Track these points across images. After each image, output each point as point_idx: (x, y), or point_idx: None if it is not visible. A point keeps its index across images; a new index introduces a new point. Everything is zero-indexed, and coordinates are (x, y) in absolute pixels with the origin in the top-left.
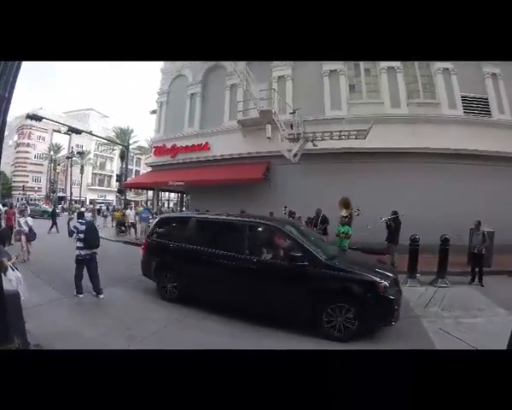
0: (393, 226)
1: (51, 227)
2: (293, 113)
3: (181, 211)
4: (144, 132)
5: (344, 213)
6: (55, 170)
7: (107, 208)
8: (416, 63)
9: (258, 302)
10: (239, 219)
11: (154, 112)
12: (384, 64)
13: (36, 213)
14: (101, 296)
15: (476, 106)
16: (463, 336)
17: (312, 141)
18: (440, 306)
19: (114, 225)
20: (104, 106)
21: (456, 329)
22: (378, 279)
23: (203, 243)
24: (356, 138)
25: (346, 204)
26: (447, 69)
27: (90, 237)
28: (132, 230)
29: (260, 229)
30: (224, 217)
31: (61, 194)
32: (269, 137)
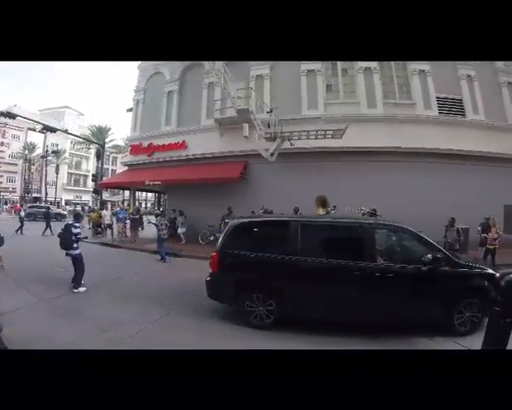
0: None
1: (45, 229)
2: (271, 112)
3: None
4: (121, 131)
5: (321, 211)
6: (29, 170)
7: (83, 209)
8: (393, 64)
9: (389, 314)
10: (359, 221)
11: (130, 110)
12: (361, 64)
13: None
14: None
15: (451, 107)
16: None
17: (289, 140)
18: None
19: (90, 226)
20: (80, 103)
21: None
22: (493, 272)
23: (312, 252)
24: (332, 138)
25: (322, 202)
26: (423, 71)
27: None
28: (109, 231)
29: (385, 231)
30: (335, 219)
31: (35, 194)
32: (246, 136)
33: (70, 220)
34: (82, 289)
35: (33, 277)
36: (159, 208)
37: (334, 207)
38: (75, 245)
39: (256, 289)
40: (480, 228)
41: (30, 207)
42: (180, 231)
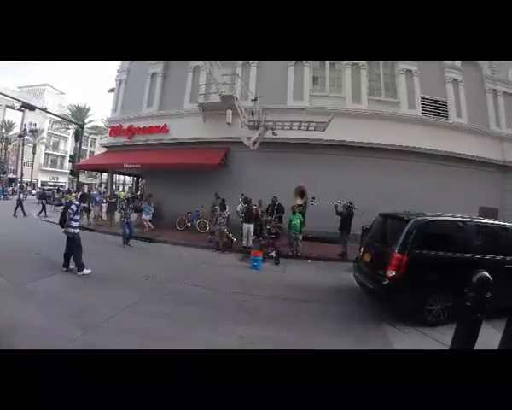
0: (345, 215)
1: (41, 211)
2: (255, 100)
3: (146, 196)
4: (102, 111)
5: (299, 201)
6: (6, 149)
7: (58, 191)
8: (381, 62)
9: None
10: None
11: (112, 90)
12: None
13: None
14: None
15: (435, 108)
16: (412, 323)
17: (272, 129)
18: None
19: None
20: (61, 81)
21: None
22: None
23: (486, 250)
24: (315, 130)
25: (301, 193)
26: (410, 71)
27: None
28: (85, 214)
29: None
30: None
31: (11, 175)
32: (229, 123)
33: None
34: (87, 271)
35: (11, 261)
36: (136, 192)
37: (313, 198)
38: (74, 224)
39: (443, 288)
40: None
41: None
42: (144, 216)
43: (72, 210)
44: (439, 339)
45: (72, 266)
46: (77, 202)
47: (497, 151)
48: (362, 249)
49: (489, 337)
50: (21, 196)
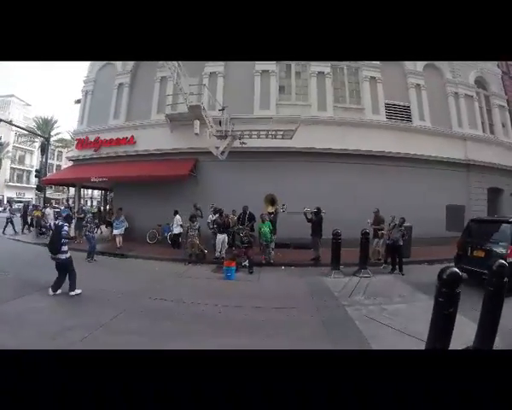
0: (315, 220)
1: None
2: (223, 110)
3: (105, 209)
4: (69, 124)
5: (270, 209)
6: None
7: (25, 207)
8: (345, 70)
9: None
10: None
11: (78, 101)
12: (314, 69)
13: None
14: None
15: (398, 113)
16: (388, 321)
17: (240, 139)
18: (364, 294)
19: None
20: (27, 93)
21: (380, 315)
22: None
23: None
24: (283, 138)
25: (271, 201)
26: (374, 78)
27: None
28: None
29: None
30: None
31: None
32: (197, 134)
33: (60, 221)
34: (78, 291)
35: None
36: (105, 206)
37: (284, 205)
38: (64, 248)
39: None
40: (369, 221)
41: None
42: (115, 232)
43: (66, 232)
44: (416, 336)
45: (59, 290)
46: (66, 224)
47: (461, 151)
48: (469, 248)
49: (464, 331)
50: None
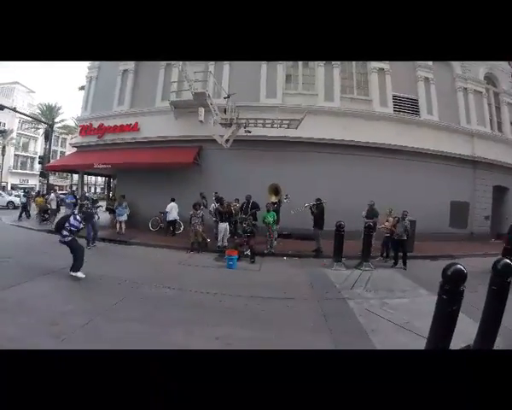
0: (316, 212)
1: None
2: (228, 97)
3: (108, 196)
4: (73, 110)
5: (273, 199)
6: None
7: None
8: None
9: None
10: None
11: (82, 88)
12: None
13: None
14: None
15: (406, 105)
16: (389, 315)
17: (245, 127)
18: (365, 288)
19: (37, 212)
20: (31, 79)
21: (381, 309)
22: None
23: None
24: (288, 127)
25: (275, 190)
26: (382, 69)
27: None
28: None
29: None
30: None
31: None
32: (201, 121)
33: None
34: (79, 274)
35: None
36: (108, 193)
37: (287, 195)
38: (65, 232)
39: None
40: (364, 214)
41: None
42: (117, 218)
43: (72, 226)
44: (416, 331)
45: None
46: (78, 218)
47: (468, 147)
48: None
49: (466, 330)
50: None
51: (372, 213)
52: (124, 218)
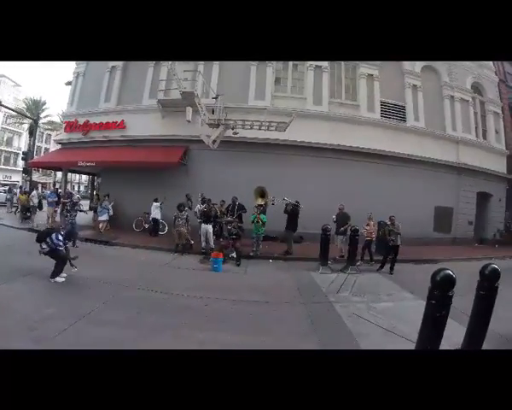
0: (290, 213)
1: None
2: (216, 98)
3: (92, 195)
4: (59, 106)
5: (260, 201)
6: None
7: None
8: (343, 65)
9: None
10: None
11: (69, 83)
12: (312, 62)
13: None
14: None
15: (393, 112)
16: (375, 319)
17: (233, 128)
18: (352, 291)
19: (18, 210)
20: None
21: (367, 313)
22: None
23: None
24: (276, 130)
25: (261, 193)
26: (371, 75)
27: None
28: (37, 214)
29: None
30: None
31: None
32: (189, 121)
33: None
34: (59, 279)
35: None
36: (92, 192)
37: (273, 198)
38: (44, 246)
39: None
40: (334, 217)
41: None
42: (99, 217)
43: (54, 242)
44: (403, 335)
45: (62, 276)
46: (60, 238)
47: (453, 154)
48: None
49: (454, 335)
50: None
51: (343, 217)
52: (104, 217)
